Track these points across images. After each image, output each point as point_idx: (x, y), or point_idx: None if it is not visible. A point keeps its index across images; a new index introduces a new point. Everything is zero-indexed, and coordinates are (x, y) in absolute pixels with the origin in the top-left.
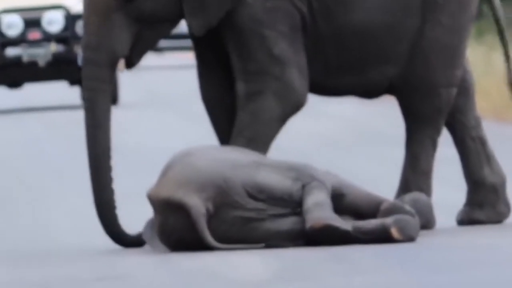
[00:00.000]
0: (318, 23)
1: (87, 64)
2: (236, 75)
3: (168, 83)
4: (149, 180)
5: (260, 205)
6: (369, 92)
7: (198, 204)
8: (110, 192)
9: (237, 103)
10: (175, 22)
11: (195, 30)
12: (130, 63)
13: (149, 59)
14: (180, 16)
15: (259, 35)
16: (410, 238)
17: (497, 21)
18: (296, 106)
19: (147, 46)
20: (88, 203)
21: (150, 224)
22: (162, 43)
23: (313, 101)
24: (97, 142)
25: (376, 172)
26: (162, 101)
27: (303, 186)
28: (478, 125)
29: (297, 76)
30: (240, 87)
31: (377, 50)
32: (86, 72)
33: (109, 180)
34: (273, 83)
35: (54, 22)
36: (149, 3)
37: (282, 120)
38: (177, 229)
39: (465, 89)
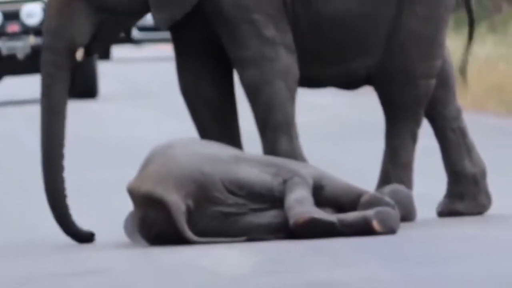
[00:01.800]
0: (296, 13)
1: (46, 50)
2: (235, 66)
3: (147, 76)
4: (128, 172)
5: (240, 200)
6: (347, 83)
7: (177, 201)
8: (61, 181)
9: (245, 94)
10: (139, 15)
11: (160, 24)
12: (89, 52)
13: (128, 51)
14: (146, 9)
15: (247, 20)
16: (391, 230)
17: (469, 12)
18: (296, 81)
19: (109, 37)
20: (69, 197)
21: (130, 218)
22: (141, 35)
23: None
24: (51, 129)
25: (359, 163)
26: (141, 94)
27: (284, 181)
28: (458, 116)
29: (288, 54)
30: (242, 77)
31: (354, 40)
32: (44, 58)
33: (60, 168)
34: (271, 65)
35: (32, 15)
36: None
37: (292, 97)
38: (157, 223)
39: (445, 80)
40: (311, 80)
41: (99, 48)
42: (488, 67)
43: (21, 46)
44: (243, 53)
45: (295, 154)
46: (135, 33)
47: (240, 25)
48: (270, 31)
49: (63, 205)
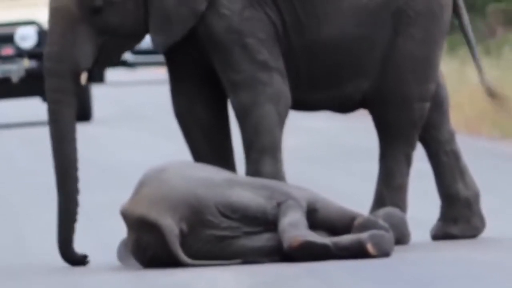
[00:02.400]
0: (290, 36)
1: (50, 76)
2: (226, 89)
3: (141, 99)
4: (122, 195)
5: (234, 223)
6: (342, 106)
7: (171, 224)
8: (75, 204)
9: (235, 116)
10: (139, 37)
11: (158, 46)
12: (92, 76)
13: (121, 74)
14: (145, 31)
15: (241, 44)
16: (385, 253)
17: (465, 35)
18: (287, 106)
19: (109, 60)
20: None
21: (124, 243)
22: (135, 58)
23: (288, 116)
24: (63, 155)
25: (353, 186)
26: (135, 117)
27: (278, 204)
28: (452, 139)
29: (281, 79)
30: (234, 100)
31: (349, 64)
32: (49, 84)
33: (76, 191)
34: (264, 89)
35: (27, 38)
36: (115, 16)
37: (281, 122)
38: (151, 246)
39: (438, 103)
40: (305, 104)
41: (101, 71)
42: (482, 90)
43: (15, 69)
44: (235, 76)
45: (277, 177)
46: (129, 56)
47: (233, 49)
48: (263, 55)
49: (70, 229)
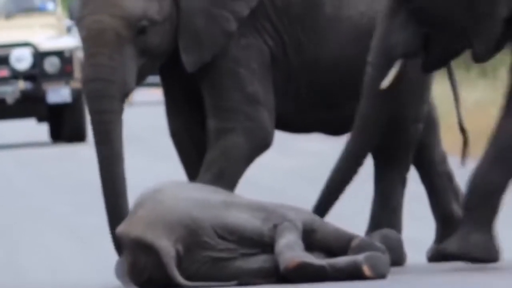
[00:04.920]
0: (290, 58)
1: (99, 97)
2: (207, 111)
3: (137, 119)
4: None
5: (230, 245)
6: (339, 128)
7: (167, 246)
8: None
9: (207, 138)
10: (168, 57)
11: (188, 66)
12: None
13: None
14: (175, 51)
15: (234, 73)
16: (381, 275)
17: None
18: (264, 145)
19: (142, 79)
20: (60, 241)
21: (121, 261)
22: None
23: (287, 137)
24: (116, 174)
25: (349, 208)
26: (131, 137)
27: (275, 226)
28: (444, 160)
29: (267, 116)
30: (212, 123)
31: (349, 85)
32: (99, 105)
33: (126, 211)
34: (245, 121)
35: (22, 60)
36: (156, 37)
37: (250, 158)
38: (147, 268)
39: (430, 124)
40: (302, 125)
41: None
42: (479, 112)
43: (11, 91)
44: (221, 102)
45: None
46: None
47: (226, 76)
48: (253, 87)
49: None
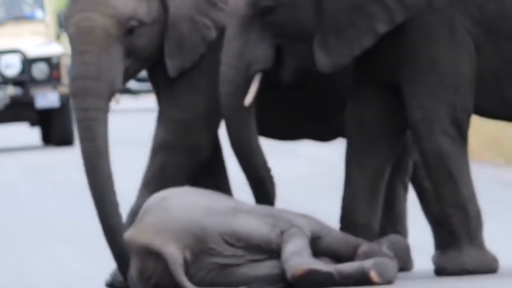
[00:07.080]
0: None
1: (86, 94)
2: (157, 119)
3: (143, 126)
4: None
5: (238, 251)
6: (326, 135)
7: (175, 253)
8: (119, 217)
9: (151, 147)
10: (154, 60)
11: (170, 71)
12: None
13: (123, 101)
14: (160, 55)
15: (196, 87)
16: (388, 281)
17: None
18: (203, 162)
19: (128, 80)
20: (63, 247)
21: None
22: (138, 86)
23: (290, 144)
24: (100, 170)
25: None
26: (137, 144)
27: (282, 232)
28: None
29: (208, 135)
30: (157, 132)
31: (341, 93)
32: (85, 102)
33: (116, 204)
34: (189, 139)
35: (11, 66)
36: (143, 39)
37: (188, 175)
38: (155, 274)
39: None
40: (291, 134)
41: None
42: (486, 119)
43: (0, 96)
44: (175, 112)
45: (136, 215)
46: (133, 84)
47: (188, 88)
48: (211, 106)
49: (122, 242)
